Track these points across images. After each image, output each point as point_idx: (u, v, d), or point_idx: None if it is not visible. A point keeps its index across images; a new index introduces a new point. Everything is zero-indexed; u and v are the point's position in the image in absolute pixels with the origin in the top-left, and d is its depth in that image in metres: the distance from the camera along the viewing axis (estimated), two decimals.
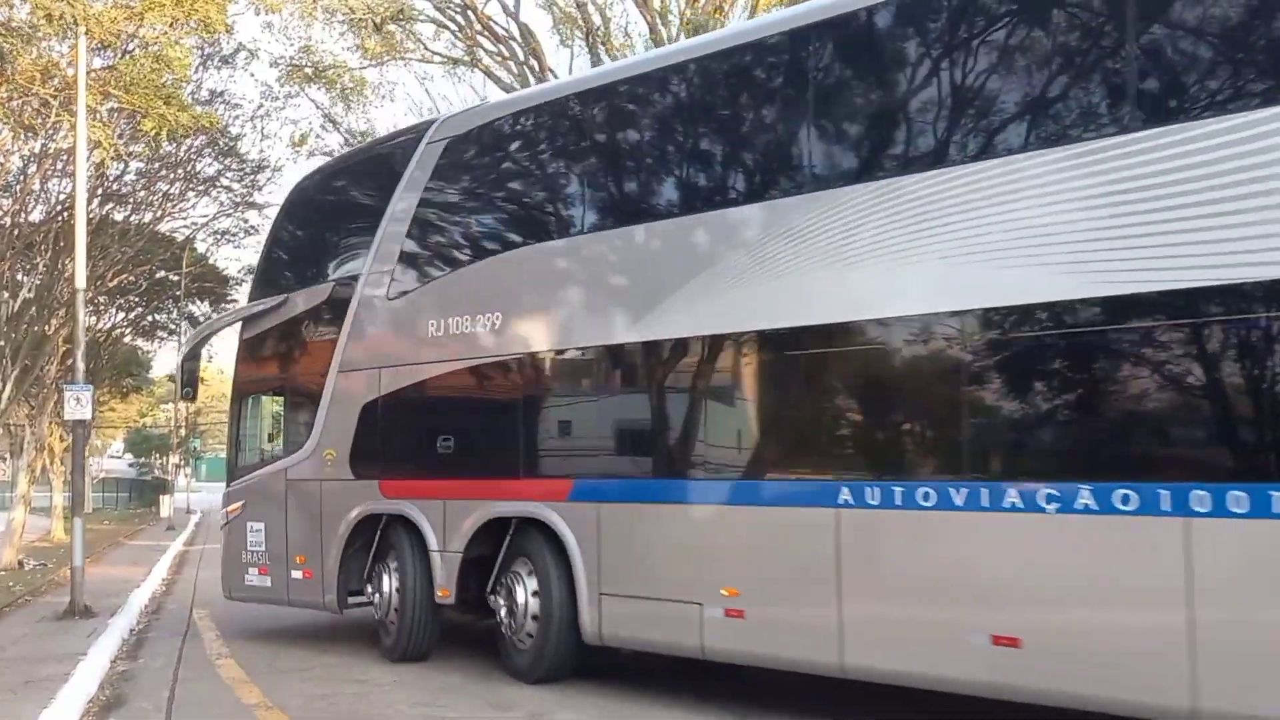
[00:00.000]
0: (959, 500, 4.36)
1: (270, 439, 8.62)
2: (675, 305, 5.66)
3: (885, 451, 4.89)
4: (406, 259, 7.28)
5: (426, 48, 22.59)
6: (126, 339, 27.72)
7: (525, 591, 6.37)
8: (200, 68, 20.45)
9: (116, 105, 15.66)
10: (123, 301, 24.86)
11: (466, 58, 22.35)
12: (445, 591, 6.74)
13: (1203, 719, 3.65)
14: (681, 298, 5.64)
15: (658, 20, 20.07)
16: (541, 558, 6.21)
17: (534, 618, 6.33)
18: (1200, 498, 3.72)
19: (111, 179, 20.52)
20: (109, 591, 10.69)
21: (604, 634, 5.92)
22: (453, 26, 21.97)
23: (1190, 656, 3.67)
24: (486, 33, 21.74)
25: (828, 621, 4.77)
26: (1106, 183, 4.14)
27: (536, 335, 6.44)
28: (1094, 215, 4.11)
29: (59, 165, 18.27)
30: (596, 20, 20.81)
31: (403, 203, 7.30)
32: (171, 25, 15.22)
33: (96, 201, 20.16)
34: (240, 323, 8.84)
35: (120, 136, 17.43)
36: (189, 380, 9.13)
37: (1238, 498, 3.65)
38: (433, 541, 6.82)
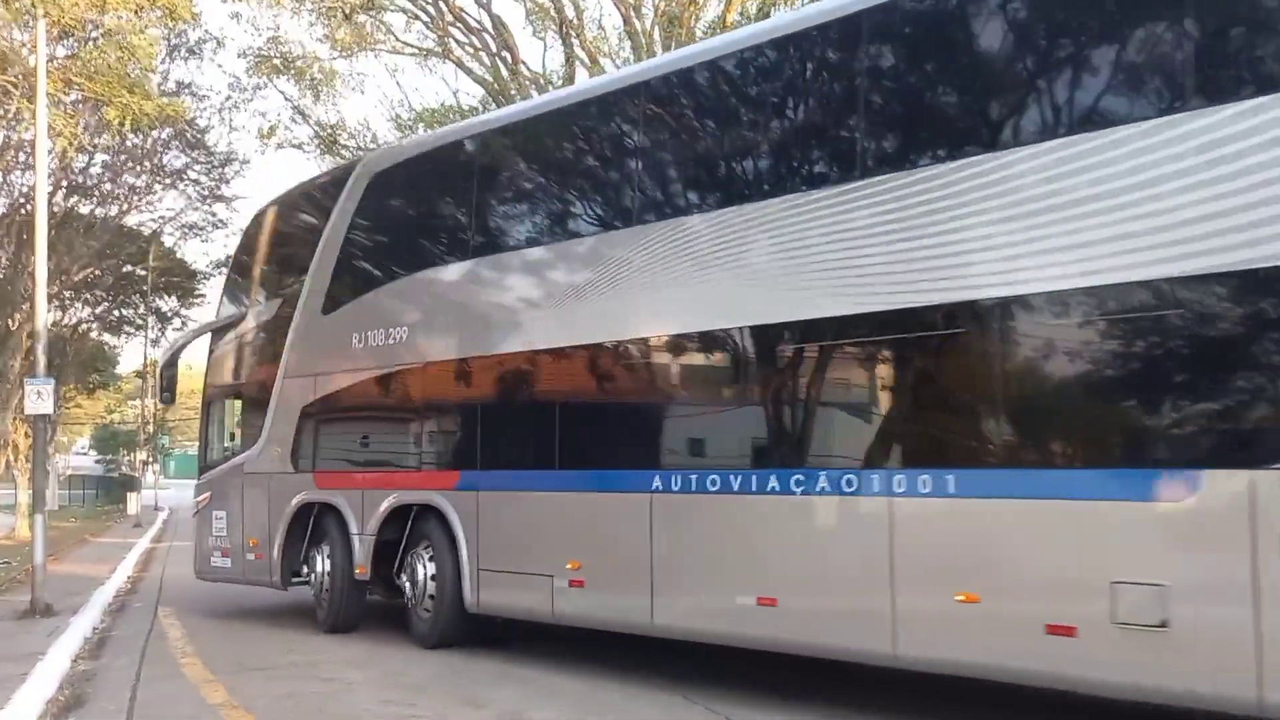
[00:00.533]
0: (736, 485, 5.47)
1: (232, 438, 9.95)
2: (530, 323, 6.85)
3: (685, 445, 6.07)
4: (337, 279, 8.46)
5: (397, 38, 23.20)
6: (93, 334, 28.53)
7: (425, 569, 7.42)
8: (167, 58, 21.27)
9: (82, 96, 16.31)
10: (89, 296, 25.69)
11: (438, 49, 22.98)
12: (363, 569, 7.84)
13: (901, 663, 4.81)
14: (535, 316, 6.84)
15: (632, 13, 20.68)
16: (437, 539, 7.30)
17: (431, 591, 7.39)
18: (899, 480, 4.78)
19: (76, 171, 21.34)
20: (72, 590, 10.77)
21: (481, 603, 6.99)
22: (425, 17, 22.52)
23: (892, 610, 4.72)
24: (459, 24, 22.36)
25: (642, 588, 5.88)
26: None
27: (431, 347, 7.61)
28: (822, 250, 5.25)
29: (20, 157, 19.08)
30: (570, 13, 21.42)
31: (335, 230, 8.52)
32: (136, 13, 15.95)
33: (61, 194, 20.99)
34: (210, 334, 10.34)
35: (85, 129, 18.10)
36: (168, 386, 10.41)
37: (924, 480, 4.69)
38: (353, 526, 7.94)
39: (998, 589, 4.38)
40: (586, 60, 21.56)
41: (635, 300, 6.11)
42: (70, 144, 16.28)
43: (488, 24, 21.95)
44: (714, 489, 5.55)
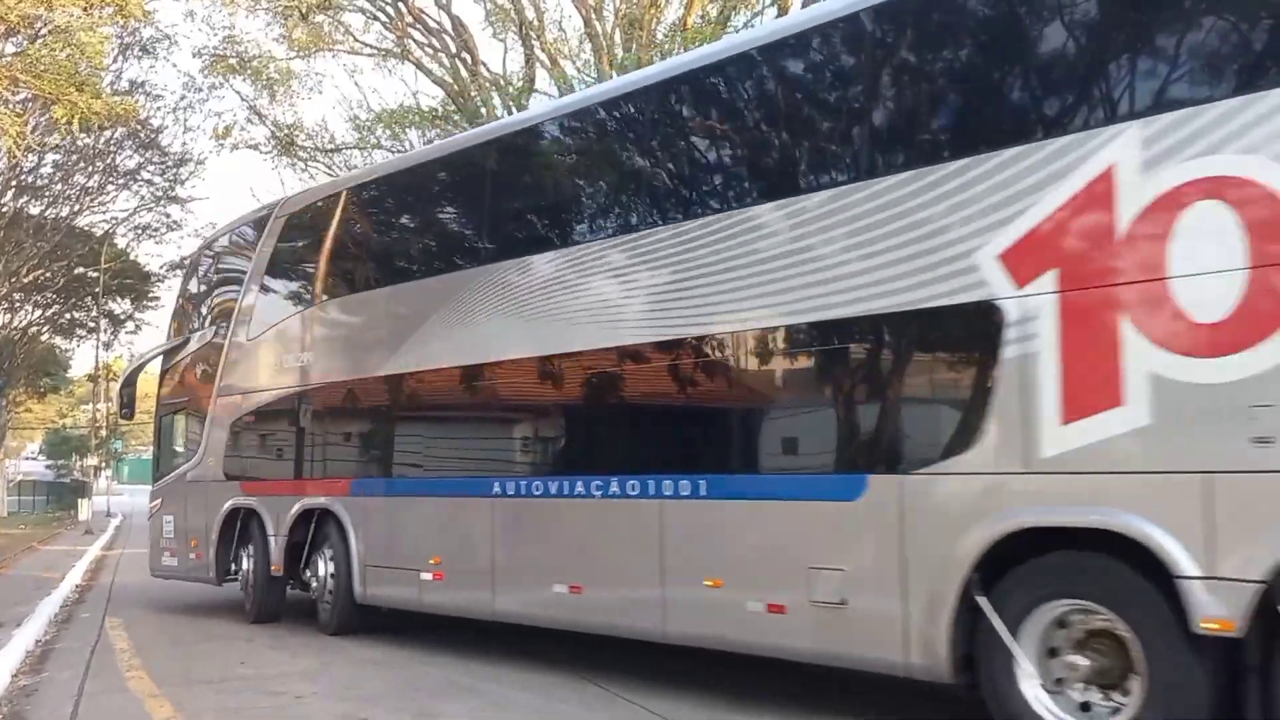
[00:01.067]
0: (553, 489, 6.87)
1: (180, 449, 11.73)
2: (397, 349, 8.33)
3: (517, 455, 7.54)
4: (259, 309, 10.22)
5: (356, 39, 24.34)
6: (44, 337, 29.82)
7: (325, 566, 8.98)
8: (119, 56, 22.55)
9: (31, 95, 17.49)
10: (39, 298, 26.98)
11: (397, 50, 24.14)
12: (277, 566, 9.43)
13: (669, 639, 6.27)
14: (401, 344, 8.30)
15: (593, 15, 21.80)
16: (335, 539, 8.83)
17: (330, 585, 8.92)
18: (668, 485, 6.09)
19: (26, 171, 22.64)
20: (17, 599, 11.25)
21: (368, 595, 8.48)
22: (383, 18, 23.68)
23: (662, 594, 6.02)
24: (418, 25, 23.49)
25: (486, 580, 7.27)
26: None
27: (326, 370, 9.24)
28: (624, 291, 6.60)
29: None
30: (530, 14, 22.56)
31: (257, 264, 10.32)
32: (86, 10, 17.14)
33: (11, 194, 22.28)
34: (161, 356, 12.28)
35: (35, 129, 19.33)
36: (127, 404, 12.15)
37: (685, 484, 6.00)
38: (270, 528, 9.54)
39: (735, 575, 5.72)
40: (547, 62, 22.86)
41: (475, 331, 7.60)
42: (17, 143, 17.43)
43: (448, 25, 23.19)
44: (538, 493, 6.99)
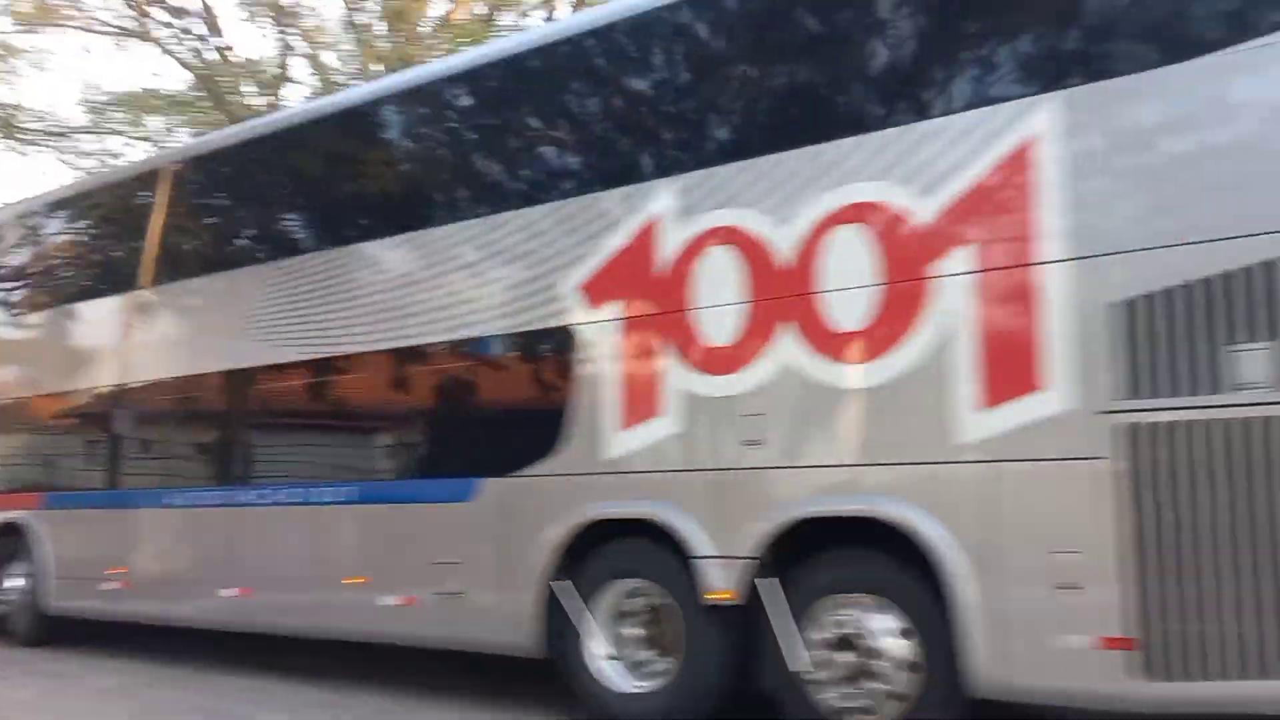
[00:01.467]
0: (219, 499, 7.61)
1: None
2: (85, 364, 8.99)
3: (184, 467, 8.22)
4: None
5: (90, 15, 23.51)
6: None
7: (17, 579, 9.35)
8: None
9: None
10: None
11: (138, 29, 23.50)
12: None
13: (325, 634, 7.11)
14: (92, 358, 8.92)
15: (353, 5, 21.94)
16: (28, 552, 9.23)
17: (23, 595, 9.25)
18: (317, 492, 6.97)
19: None
20: None
21: (60, 607, 8.90)
22: None
23: (316, 593, 6.95)
24: (161, 3, 22.94)
25: (165, 587, 7.92)
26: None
27: (18, 385, 9.76)
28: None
29: None
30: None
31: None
32: None
33: None
34: None
35: None
36: None
37: (331, 492, 6.87)
38: None
39: (375, 572, 6.58)
40: (309, 50, 22.89)
41: (136, 351, 8.33)
42: None
43: (194, 5, 22.78)
44: (206, 503, 7.72)
